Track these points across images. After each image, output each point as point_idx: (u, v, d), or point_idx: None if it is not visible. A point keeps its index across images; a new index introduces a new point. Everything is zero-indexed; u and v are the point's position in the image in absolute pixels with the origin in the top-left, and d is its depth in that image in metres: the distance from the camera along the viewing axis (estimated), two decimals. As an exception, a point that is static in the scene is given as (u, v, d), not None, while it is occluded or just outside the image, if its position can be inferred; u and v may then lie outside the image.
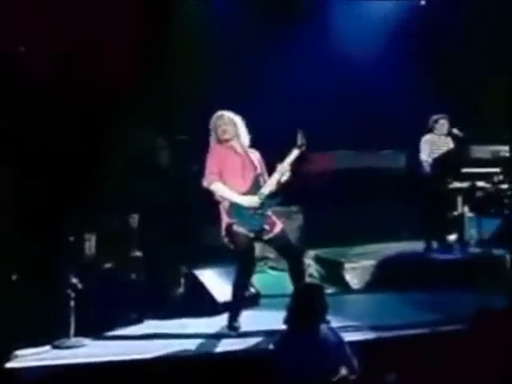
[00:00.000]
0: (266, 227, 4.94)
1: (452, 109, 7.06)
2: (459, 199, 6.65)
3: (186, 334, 5.00)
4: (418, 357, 4.34)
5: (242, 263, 4.97)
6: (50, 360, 4.50)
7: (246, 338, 4.81)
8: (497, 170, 6.67)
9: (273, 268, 6.93)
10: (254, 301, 5.60)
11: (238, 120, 5.09)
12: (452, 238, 6.76)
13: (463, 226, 6.63)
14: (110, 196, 5.88)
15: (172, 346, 4.72)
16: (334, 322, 4.50)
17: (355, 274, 6.33)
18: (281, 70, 7.57)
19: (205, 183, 4.98)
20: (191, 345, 4.77)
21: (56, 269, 5.05)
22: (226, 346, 4.74)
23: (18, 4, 5.94)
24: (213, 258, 5.92)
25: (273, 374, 3.87)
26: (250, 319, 5.09)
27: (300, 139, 5.00)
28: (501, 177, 6.60)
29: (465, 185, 6.63)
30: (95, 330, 4.92)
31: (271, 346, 4.28)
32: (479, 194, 6.59)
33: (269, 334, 4.73)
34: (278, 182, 5.02)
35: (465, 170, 6.65)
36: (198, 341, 4.85)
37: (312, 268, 6.62)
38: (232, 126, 5.05)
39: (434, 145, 6.82)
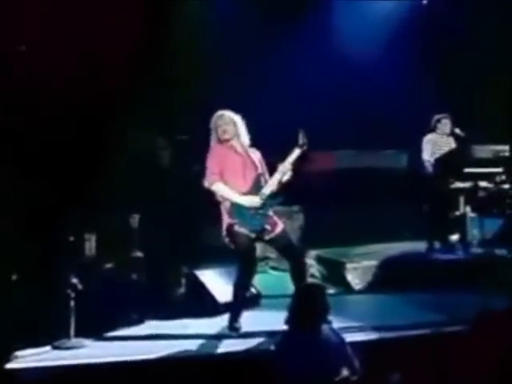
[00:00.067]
0: (268, 227, 4.93)
1: (454, 108, 7.06)
2: (461, 199, 6.64)
3: (186, 334, 4.97)
4: (421, 358, 4.33)
5: (243, 263, 4.95)
6: (50, 361, 4.48)
7: (247, 339, 4.79)
8: (499, 169, 6.65)
9: (274, 268, 6.91)
10: (254, 301, 5.58)
11: (238, 119, 5.07)
12: (454, 238, 6.74)
13: (465, 226, 6.61)
14: (110, 196, 5.87)
15: (173, 346, 4.70)
16: (336, 323, 4.47)
17: (357, 274, 6.31)
18: (282, 69, 7.57)
19: (206, 184, 4.97)
20: (192, 345, 4.75)
21: (56, 269, 5.04)
22: (226, 346, 4.72)
23: (18, 3, 5.93)
24: (214, 258, 5.91)
25: (274, 375, 3.85)
26: (250, 320, 5.07)
27: (301, 138, 4.98)
28: (503, 177, 6.58)
29: (467, 185, 6.61)
30: (96, 330, 4.90)
31: (272, 347, 4.26)
32: (481, 194, 6.58)
33: (270, 334, 4.72)
34: (280, 182, 5.00)
35: (467, 170, 6.64)
36: (199, 341, 4.83)
37: (313, 268, 6.60)
38: (232, 126, 5.03)
39: (436, 144, 6.81)
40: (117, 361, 4.46)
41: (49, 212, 5.51)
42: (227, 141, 5.03)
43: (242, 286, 4.99)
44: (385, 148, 8.22)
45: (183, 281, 5.60)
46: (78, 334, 4.77)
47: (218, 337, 4.90)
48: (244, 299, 5.07)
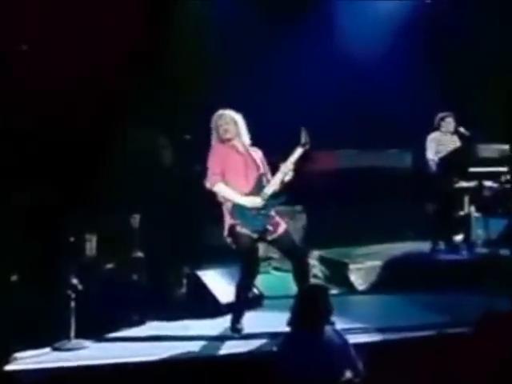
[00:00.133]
0: (270, 228, 4.89)
1: (457, 107, 7.03)
2: (466, 199, 6.60)
3: (188, 335, 4.94)
4: (425, 359, 4.29)
5: (245, 264, 4.92)
6: (50, 362, 4.45)
7: (250, 340, 4.76)
8: (504, 169, 6.61)
9: (276, 269, 6.89)
10: (257, 302, 5.55)
11: (239, 118, 5.03)
12: (458, 238, 6.71)
13: (470, 226, 6.57)
14: (111, 196, 5.84)
15: (174, 348, 4.67)
16: (339, 324, 4.44)
17: (360, 274, 6.27)
18: (285, 68, 7.55)
19: (207, 184, 4.93)
20: (194, 347, 4.72)
21: (56, 269, 5.01)
22: (228, 347, 4.69)
23: (20, 3, 5.92)
24: (216, 259, 5.88)
25: (276, 377, 3.82)
26: (253, 321, 5.03)
27: (304, 137, 4.93)
28: (508, 176, 6.55)
29: (471, 184, 6.57)
30: (96, 331, 4.86)
31: (275, 348, 4.23)
32: (486, 193, 6.54)
33: (272, 335, 4.69)
34: (282, 182, 4.96)
35: (472, 170, 6.59)
36: (201, 343, 4.80)
37: (316, 268, 6.57)
38: (233, 125, 4.99)
39: (441, 143, 6.78)
40: (117, 362, 4.43)
41: (49, 212, 5.49)
42: (228, 140, 4.99)
43: (244, 286, 4.96)
44: (388, 147, 8.18)
45: (185, 281, 5.57)
46: (78, 335, 4.74)
47: (220, 338, 4.88)
48: (246, 300, 5.04)
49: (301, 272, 4.92)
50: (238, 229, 4.84)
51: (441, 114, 6.83)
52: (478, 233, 6.58)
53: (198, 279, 5.55)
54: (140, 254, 5.61)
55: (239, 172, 4.93)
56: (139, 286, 5.41)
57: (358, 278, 6.25)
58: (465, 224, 6.61)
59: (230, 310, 5.05)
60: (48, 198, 5.52)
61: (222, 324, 5.06)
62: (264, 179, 4.98)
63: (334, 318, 4.15)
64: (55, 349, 4.65)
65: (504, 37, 7.75)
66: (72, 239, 5.00)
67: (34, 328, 4.66)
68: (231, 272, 5.39)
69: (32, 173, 5.61)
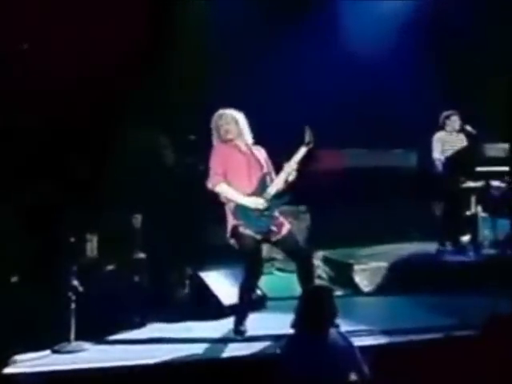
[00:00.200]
0: (274, 228, 4.84)
1: (462, 106, 6.98)
2: (473, 199, 6.56)
3: (190, 338, 4.90)
4: (432, 362, 4.25)
5: (248, 265, 4.87)
6: (50, 365, 4.40)
7: (253, 342, 4.72)
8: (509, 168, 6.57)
9: (280, 270, 6.86)
10: (260, 304, 5.51)
11: (241, 117, 4.96)
12: (465, 238, 6.67)
13: (477, 226, 6.53)
14: (112, 196, 5.80)
15: (176, 350, 4.62)
16: (344, 326, 4.40)
17: (365, 275, 6.22)
18: (289, 68, 7.52)
19: (209, 185, 4.87)
20: (196, 349, 4.68)
21: (56, 270, 4.96)
22: (231, 350, 4.65)
23: (22, 3, 5.90)
24: (218, 260, 5.83)
25: (280, 380, 3.78)
26: (256, 323, 5.00)
27: (308, 136, 4.88)
28: (508, 176, 6.48)
29: (478, 184, 6.53)
30: (97, 333, 4.81)
31: (278, 351, 4.19)
32: (493, 193, 6.49)
33: (276, 338, 4.65)
34: (285, 181, 4.90)
35: (478, 169, 6.55)
36: (204, 345, 4.75)
37: (320, 269, 6.53)
38: (234, 125, 4.92)
39: (446, 142, 6.74)
40: (118, 365, 4.38)
41: (49, 212, 5.47)
42: (230, 141, 4.92)
43: (247, 287, 4.91)
44: (393, 147, 8.16)
45: (187, 282, 5.54)
46: (78, 338, 4.70)
47: (223, 340, 4.83)
48: (250, 302, 4.99)
49: (305, 273, 4.87)
50: (241, 230, 4.79)
51: (445, 113, 6.80)
52: (485, 233, 6.54)
53: (201, 280, 5.51)
54: (142, 255, 5.56)
55: (242, 172, 4.88)
56: (141, 288, 5.36)
57: (363, 279, 6.19)
58: (472, 224, 6.57)
59: (233, 312, 5.01)
60: (48, 197, 5.51)
61: (224, 326, 5.03)
62: (268, 179, 4.92)
63: (338, 320, 4.11)
64: (55, 351, 4.62)
65: (506, 36, 7.72)
66: (72, 239, 4.96)
67: (33, 330, 4.62)
68: (234, 273, 5.35)
69: (32, 173, 5.61)
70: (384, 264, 6.28)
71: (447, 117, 6.76)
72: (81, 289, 4.71)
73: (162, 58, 6.92)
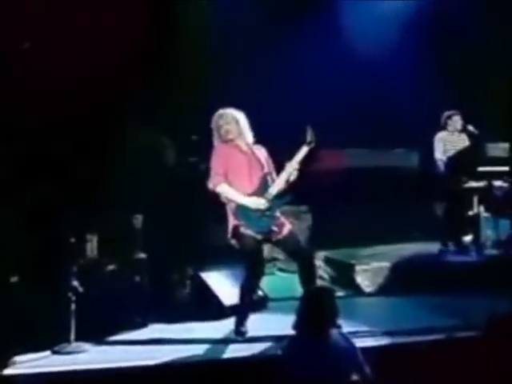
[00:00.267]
0: (275, 229, 4.81)
1: (464, 106, 6.96)
2: (475, 199, 6.53)
3: (191, 338, 4.87)
4: (434, 363, 4.23)
5: (249, 265, 4.84)
6: (50, 366, 4.38)
7: (254, 343, 4.69)
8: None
9: (281, 270, 6.84)
10: (262, 304, 5.49)
11: (241, 117, 4.93)
12: (467, 239, 6.65)
13: (479, 226, 6.50)
14: (112, 196, 5.78)
15: (177, 351, 4.60)
16: (346, 327, 4.37)
17: (366, 276, 6.19)
18: (291, 67, 7.51)
19: (210, 185, 4.84)
20: (197, 350, 4.65)
21: (56, 271, 4.94)
22: (232, 351, 4.62)
23: (22, 3, 5.90)
24: (219, 260, 5.81)
25: (281, 381, 3.76)
26: (257, 323, 4.97)
27: (309, 136, 4.86)
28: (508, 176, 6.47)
29: (481, 184, 6.50)
30: (97, 334, 4.79)
31: (280, 352, 4.17)
32: (496, 193, 6.47)
33: (277, 339, 4.63)
34: (287, 181, 4.88)
35: (481, 169, 6.52)
36: (204, 346, 4.73)
37: (322, 270, 6.50)
38: (235, 125, 4.89)
39: (448, 142, 6.72)
40: (119, 366, 4.36)
41: (49, 212, 5.45)
42: (231, 141, 4.89)
43: (248, 288, 4.89)
44: (394, 146, 8.16)
45: (188, 283, 5.52)
46: (78, 338, 4.67)
47: (224, 341, 4.81)
48: (251, 302, 4.97)
49: (307, 273, 4.84)
50: (242, 230, 4.77)
51: (447, 113, 6.78)
52: (488, 233, 6.52)
53: (202, 281, 5.49)
54: (142, 255, 5.54)
55: (243, 172, 4.85)
56: (141, 288, 5.34)
57: (365, 279, 6.16)
58: (474, 224, 6.54)
59: (234, 313, 4.98)
60: (48, 197, 5.49)
61: (225, 327, 5.00)
62: (269, 178, 4.90)
63: (340, 321, 4.07)
64: (55, 352, 4.60)
65: (508, 35, 7.71)
66: (73, 240, 4.94)
67: (33, 331, 4.60)
68: (235, 273, 5.32)
69: (32, 173, 5.59)
70: (386, 264, 6.26)
71: (449, 117, 6.74)
72: (81, 289, 4.69)
73: (164, 57, 6.91)
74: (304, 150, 4.86)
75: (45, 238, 5.24)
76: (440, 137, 6.73)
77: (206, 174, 4.95)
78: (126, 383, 4.29)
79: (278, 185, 4.84)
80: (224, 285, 5.46)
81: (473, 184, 6.50)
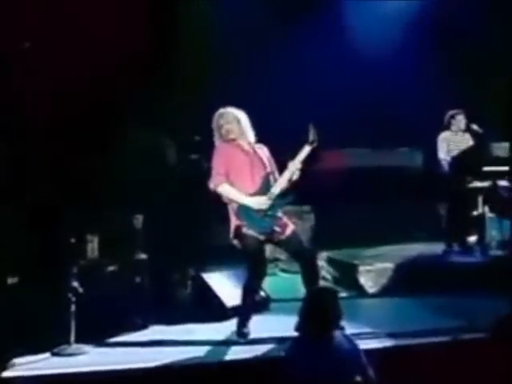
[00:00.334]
0: (277, 229, 4.77)
1: (468, 105, 6.92)
2: (479, 199, 6.49)
3: (192, 340, 4.84)
4: (439, 366, 4.20)
5: (252, 266, 4.80)
6: (49, 369, 4.34)
7: (256, 345, 4.66)
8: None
9: (284, 270, 6.82)
10: (264, 305, 5.45)
11: (242, 116, 4.89)
12: (472, 239, 6.61)
13: (484, 226, 6.47)
14: (113, 196, 5.76)
15: (178, 353, 4.57)
16: (349, 329, 4.36)
17: (370, 276, 6.15)
18: (294, 67, 7.51)
19: (211, 185, 4.80)
20: (198, 352, 4.62)
21: (56, 271, 4.91)
22: (234, 353, 4.59)
23: (22, 3, 5.91)
24: (221, 261, 5.80)
25: (284, 383, 3.71)
26: (260, 325, 4.94)
27: (312, 135, 4.81)
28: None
29: (485, 184, 6.47)
30: (97, 336, 4.76)
31: (282, 354, 4.12)
32: (500, 193, 6.43)
33: (280, 340, 4.60)
34: (289, 181, 4.83)
35: (485, 169, 6.48)
36: (206, 348, 4.70)
37: (324, 270, 6.48)
38: (236, 124, 4.85)
39: (452, 142, 6.68)
40: (119, 368, 4.32)
41: (49, 212, 5.42)
42: (233, 140, 4.85)
43: (250, 289, 4.85)
44: (398, 146, 8.14)
45: (189, 284, 5.49)
46: (78, 340, 4.64)
47: (226, 343, 4.78)
48: (253, 303, 4.93)
49: (309, 274, 4.80)
50: (244, 230, 4.73)
51: (451, 112, 6.74)
52: (493, 234, 6.49)
53: (203, 282, 5.46)
54: (143, 256, 5.50)
55: (245, 172, 4.81)
56: (142, 289, 5.30)
57: (368, 280, 6.12)
58: (479, 225, 6.50)
59: (236, 314, 4.95)
60: (48, 197, 5.46)
61: (227, 328, 4.97)
62: (271, 178, 4.86)
63: (343, 323, 4.06)
64: (55, 354, 4.56)
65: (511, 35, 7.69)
66: (73, 240, 4.90)
67: (32, 332, 4.56)
68: (237, 274, 5.30)
69: (32, 173, 5.57)
70: (389, 265, 6.22)
71: (452, 116, 6.71)
72: (81, 290, 4.66)
73: (165, 57, 6.89)
74: (307, 150, 4.81)
75: (45, 239, 5.20)
76: (444, 136, 6.69)
77: (207, 173, 4.90)
78: (126, 386, 4.26)
79: (280, 184, 4.79)
80: (226, 286, 5.43)
81: (477, 184, 6.47)
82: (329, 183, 7.39)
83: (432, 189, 6.91)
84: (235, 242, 4.81)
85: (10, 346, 4.40)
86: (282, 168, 4.87)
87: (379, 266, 6.24)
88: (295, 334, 3.88)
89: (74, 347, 4.59)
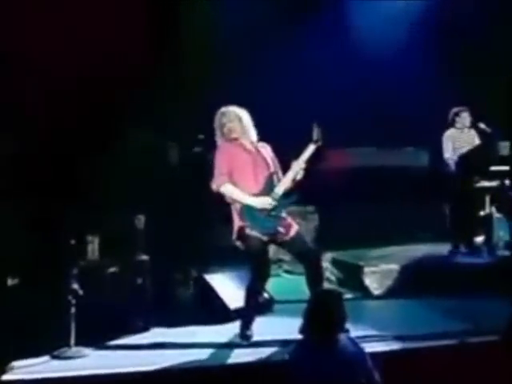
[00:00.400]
0: (281, 230, 4.72)
1: (475, 103, 6.88)
2: (487, 199, 6.44)
3: (194, 342, 4.80)
4: (446, 369, 4.13)
5: (255, 267, 4.76)
6: (49, 372, 4.30)
7: (259, 348, 4.62)
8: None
9: (288, 272, 6.78)
10: (267, 307, 5.42)
11: (244, 114, 4.83)
12: (479, 240, 6.57)
13: (491, 227, 6.42)
14: (114, 196, 5.75)
15: (180, 356, 4.53)
16: (354, 331, 4.32)
17: (375, 278, 6.11)
18: (300, 65, 7.51)
19: (214, 186, 4.75)
20: (200, 354, 4.58)
21: (56, 273, 4.87)
22: (237, 356, 4.55)
23: (22, 3, 5.91)
24: (224, 262, 5.77)
25: (288, 387, 3.67)
26: (263, 327, 4.91)
27: (316, 134, 4.76)
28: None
29: (493, 184, 6.42)
30: (97, 339, 4.72)
31: (286, 357, 4.05)
32: (508, 193, 6.38)
33: (283, 343, 4.56)
34: (293, 180, 4.78)
35: (493, 168, 6.44)
36: (208, 350, 4.66)
37: (329, 272, 6.43)
38: (238, 123, 4.79)
39: (457, 140, 6.63)
40: (120, 372, 4.28)
41: (49, 213, 5.41)
42: (235, 139, 4.80)
43: (254, 290, 4.81)
44: (403, 145, 8.12)
45: (191, 285, 5.46)
46: (78, 343, 4.60)
47: (229, 345, 4.74)
48: (256, 305, 4.89)
49: (314, 275, 4.75)
50: (248, 231, 4.68)
51: (455, 109, 6.69)
52: (500, 234, 6.45)
53: (206, 283, 5.43)
54: (144, 257, 5.44)
55: (248, 171, 4.76)
56: (143, 291, 5.26)
57: (373, 281, 6.08)
58: (486, 225, 6.46)
59: (239, 316, 4.91)
60: (49, 198, 5.45)
61: (230, 330, 4.93)
62: (275, 178, 4.81)
63: (348, 325, 3.99)
64: (54, 357, 4.52)
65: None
66: (73, 241, 4.86)
67: (32, 335, 4.53)
68: (240, 275, 5.27)
69: (32, 173, 5.56)
70: (395, 266, 6.18)
71: (457, 113, 6.65)
72: (81, 292, 4.61)
73: (167, 57, 6.87)
74: (311, 149, 4.77)
75: (45, 240, 5.20)
76: (449, 135, 6.64)
77: (210, 167, 4.84)
78: (127, 389, 4.23)
79: (284, 184, 4.74)
80: (229, 287, 5.40)
81: (485, 184, 6.43)
82: (333, 183, 7.39)
83: (438, 189, 6.87)
84: (238, 243, 4.76)
85: (9, 348, 4.36)
86: (285, 167, 4.83)
87: (384, 267, 6.20)
88: (299, 336, 3.83)
89: (74, 350, 4.55)
